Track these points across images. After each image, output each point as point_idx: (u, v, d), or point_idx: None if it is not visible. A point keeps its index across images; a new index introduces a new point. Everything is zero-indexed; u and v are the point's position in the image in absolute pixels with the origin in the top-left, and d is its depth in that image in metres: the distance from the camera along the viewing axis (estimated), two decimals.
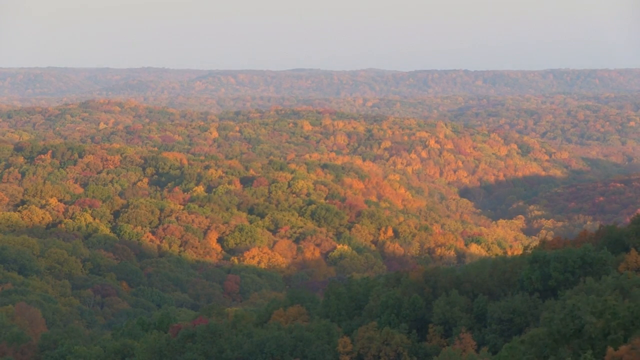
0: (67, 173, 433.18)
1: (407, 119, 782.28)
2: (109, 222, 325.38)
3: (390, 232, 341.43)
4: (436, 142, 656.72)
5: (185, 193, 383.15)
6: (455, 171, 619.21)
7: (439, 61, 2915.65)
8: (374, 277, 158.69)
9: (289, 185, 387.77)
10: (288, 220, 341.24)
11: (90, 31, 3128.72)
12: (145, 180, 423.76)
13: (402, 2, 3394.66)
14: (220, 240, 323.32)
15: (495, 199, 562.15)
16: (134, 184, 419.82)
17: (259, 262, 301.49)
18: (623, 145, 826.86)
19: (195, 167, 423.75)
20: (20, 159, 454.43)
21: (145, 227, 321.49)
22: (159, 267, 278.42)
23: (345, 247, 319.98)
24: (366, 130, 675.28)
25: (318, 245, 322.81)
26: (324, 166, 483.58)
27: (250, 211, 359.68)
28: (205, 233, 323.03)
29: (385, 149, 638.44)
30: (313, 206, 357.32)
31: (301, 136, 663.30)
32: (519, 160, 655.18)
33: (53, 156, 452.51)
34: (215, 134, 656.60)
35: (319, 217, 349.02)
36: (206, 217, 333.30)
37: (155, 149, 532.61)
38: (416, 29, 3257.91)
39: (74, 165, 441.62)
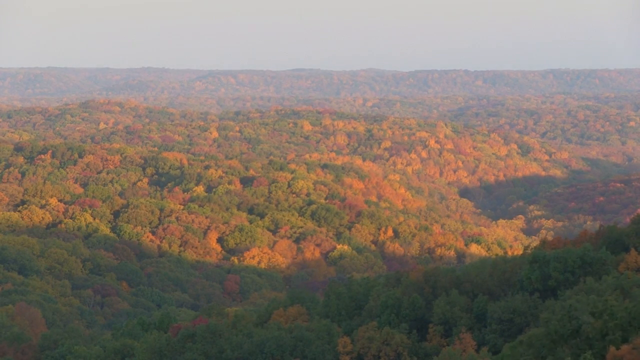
0: (67, 173, 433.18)
1: (407, 119, 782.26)
2: (109, 222, 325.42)
3: (390, 232, 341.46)
4: (436, 142, 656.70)
5: (185, 193, 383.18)
6: (455, 171, 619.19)
7: (439, 61, 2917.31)
8: (374, 277, 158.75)
9: (289, 185, 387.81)
10: (288, 220, 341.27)
11: (90, 31, 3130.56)
12: (145, 180, 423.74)
13: (402, 2, 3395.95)
14: (220, 240, 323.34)
15: (495, 199, 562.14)
16: (134, 184, 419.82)
17: (259, 262, 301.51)
18: (623, 145, 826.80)
19: (195, 167, 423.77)
20: (20, 159, 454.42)
21: (145, 227, 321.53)
22: (159, 267, 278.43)
23: (345, 247, 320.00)
24: (366, 130, 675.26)
25: (318, 245, 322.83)
26: (324, 166, 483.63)
27: (250, 211, 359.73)
28: (205, 233, 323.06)
29: (385, 149, 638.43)
30: (313, 206, 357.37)
31: (301, 136, 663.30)
32: (519, 160, 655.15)
33: (53, 156, 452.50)
34: (215, 134, 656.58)
35: (319, 217, 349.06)
36: (206, 217, 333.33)
37: (155, 149, 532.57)
38: (416, 29, 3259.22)
39: (74, 165, 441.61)
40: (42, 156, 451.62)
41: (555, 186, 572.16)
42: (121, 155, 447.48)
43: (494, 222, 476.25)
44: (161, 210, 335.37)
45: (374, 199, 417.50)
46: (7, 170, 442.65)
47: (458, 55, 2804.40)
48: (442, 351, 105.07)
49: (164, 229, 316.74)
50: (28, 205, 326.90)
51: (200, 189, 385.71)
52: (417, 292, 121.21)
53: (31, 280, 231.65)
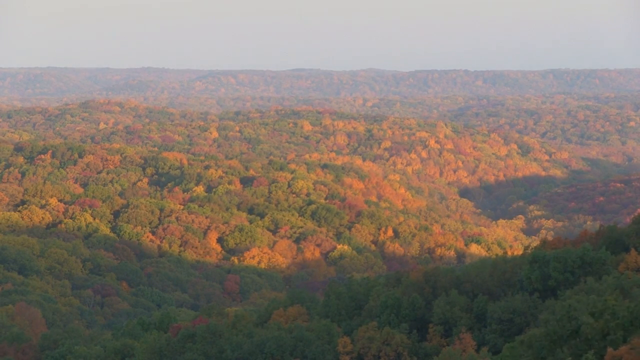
0: (67, 173, 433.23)
1: (407, 119, 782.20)
2: (109, 222, 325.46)
3: (390, 232, 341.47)
4: (436, 142, 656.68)
5: (185, 193, 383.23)
6: (455, 171, 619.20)
7: (439, 61, 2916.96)
8: (374, 277, 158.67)
9: (289, 185, 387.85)
10: (288, 220, 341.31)
11: (90, 31, 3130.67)
12: (145, 180, 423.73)
13: (402, 2, 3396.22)
14: (220, 240, 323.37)
15: (495, 199, 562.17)
16: (134, 184, 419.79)
17: (259, 262, 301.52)
18: (623, 145, 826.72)
19: (195, 167, 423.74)
20: (20, 159, 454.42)
21: (145, 227, 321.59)
22: (159, 267, 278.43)
23: (345, 247, 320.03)
24: (366, 130, 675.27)
25: (318, 245, 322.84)
26: (324, 166, 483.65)
27: (250, 211, 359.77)
28: (205, 233, 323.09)
29: (385, 149, 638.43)
30: (313, 206, 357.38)
31: (301, 136, 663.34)
32: (519, 160, 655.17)
33: (53, 156, 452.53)
34: (215, 134, 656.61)
35: (319, 217, 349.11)
36: (206, 217, 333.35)
37: (155, 149, 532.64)
38: (416, 29, 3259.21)
39: (74, 165, 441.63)
40: (42, 156, 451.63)
41: (555, 186, 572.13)
42: (121, 155, 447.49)
43: (494, 222, 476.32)
44: (161, 210, 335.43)
45: (374, 199, 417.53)
46: (7, 170, 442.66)
47: (458, 55, 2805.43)
48: (442, 351, 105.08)
49: (164, 229, 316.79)
50: (28, 205, 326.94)
51: (200, 189, 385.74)
52: (417, 292, 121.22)
53: (31, 280, 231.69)
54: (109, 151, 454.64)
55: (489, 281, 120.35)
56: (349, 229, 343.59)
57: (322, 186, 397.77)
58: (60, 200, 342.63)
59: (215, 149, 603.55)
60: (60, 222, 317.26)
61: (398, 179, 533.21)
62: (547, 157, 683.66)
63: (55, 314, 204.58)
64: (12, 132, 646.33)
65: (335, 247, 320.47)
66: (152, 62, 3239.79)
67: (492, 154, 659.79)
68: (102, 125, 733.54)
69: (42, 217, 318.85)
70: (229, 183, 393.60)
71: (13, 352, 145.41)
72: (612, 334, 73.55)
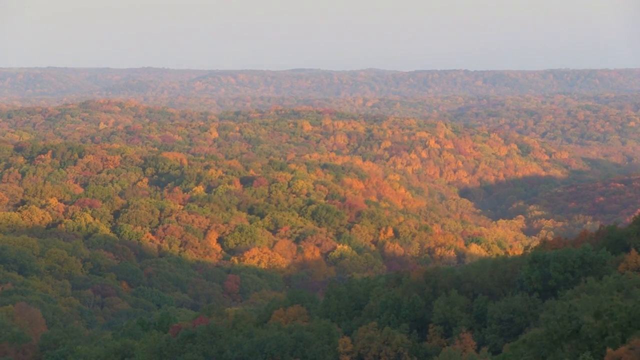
0: (67, 173, 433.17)
1: (407, 119, 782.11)
2: (109, 222, 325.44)
3: (390, 232, 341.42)
4: (436, 142, 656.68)
5: (185, 193, 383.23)
6: (455, 171, 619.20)
7: (439, 61, 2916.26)
8: (374, 277, 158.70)
9: (289, 185, 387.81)
10: (288, 220, 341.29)
11: (90, 31, 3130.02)
12: (145, 180, 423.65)
13: (402, 2, 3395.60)
14: (220, 240, 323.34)
15: (495, 199, 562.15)
16: (134, 184, 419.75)
17: (259, 262, 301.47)
18: (623, 145, 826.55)
19: (195, 167, 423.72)
20: (20, 159, 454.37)
21: (145, 227, 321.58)
22: (159, 267, 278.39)
23: (345, 247, 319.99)
24: (366, 130, 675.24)
25: (318, 245, 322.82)
26: (324, 166, 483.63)
27: (250, 211, 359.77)
28: (205, 233, 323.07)
29: (385, 149, 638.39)
30: (313, 206, 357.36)
31: (301, 136, 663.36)
32: (519, 160, 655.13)
33: (53, 156, 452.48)
34: (215, 134, 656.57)
35: (319, 217, 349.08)
36: (206, 217, 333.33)
37: (155, 149, 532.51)
38: (416, 29, 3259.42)
39: (74, 165, 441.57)
40: (42, 156, 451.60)
41: (555, 186, 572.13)
42: (121, 155, 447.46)
43: (494, 222, 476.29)
44: (161, 210, 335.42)
45: (374, 199, 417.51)
46: (7, 170, 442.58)
47: (458, 55, 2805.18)
48: (442, 351, 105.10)
49: (164, 229, 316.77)
50: (28, 205, 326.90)
51: (200, 189, 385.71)
52: (417, 292, 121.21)
53: (31, 280, 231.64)
54: (109, 151, 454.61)
55: (489, 281, 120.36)
56: (349, 229, 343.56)
57: (322, 186, 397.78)
58: (60, 200, 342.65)
59: (215, 149, 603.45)
60: (60, 222, 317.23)
61: (398, 179, 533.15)
62: (547, 157, 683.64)
63: (55, 314, 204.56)
64: (12, 132, 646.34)
65: (335, 247, 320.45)
66: (152, 62, 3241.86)
67: (492, 154, 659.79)
68: (102, 125, 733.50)
69: (42, 217, 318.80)
70: (229, 183, 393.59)
71: (13, 352, 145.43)
72: (610, 335, 73.62)
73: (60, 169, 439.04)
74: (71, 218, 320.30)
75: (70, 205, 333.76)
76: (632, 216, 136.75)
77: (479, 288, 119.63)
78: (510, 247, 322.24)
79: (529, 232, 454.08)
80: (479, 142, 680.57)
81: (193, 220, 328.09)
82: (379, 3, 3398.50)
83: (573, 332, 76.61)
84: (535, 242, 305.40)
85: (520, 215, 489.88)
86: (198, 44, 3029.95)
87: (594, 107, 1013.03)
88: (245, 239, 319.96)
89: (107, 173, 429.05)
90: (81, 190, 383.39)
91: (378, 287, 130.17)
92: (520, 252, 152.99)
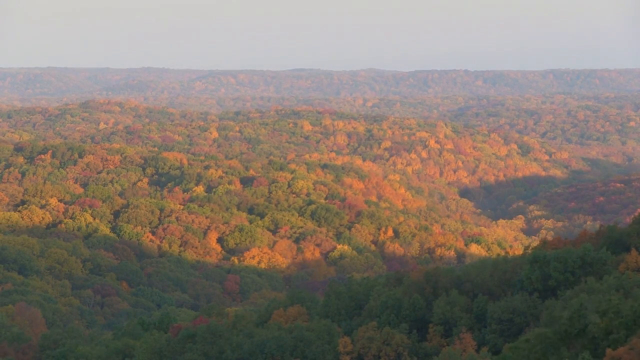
0: (67, 173, 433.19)
1: (407, 119, 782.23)
2: (109, 222, 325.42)
3: (390, 232, 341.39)
4: (436, 142, 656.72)
5: (185, 193, 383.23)
6: (455, 171, 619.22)
7: (439, 61, 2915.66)
8: (374, 277, 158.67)
9: (289, 185, 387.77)
10: (288, 220, 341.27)
11: (90, 31, 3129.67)
12: (145, 180, 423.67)
13: (402, 2, 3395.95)
14: (220, 240, 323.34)
15: (495, 199, 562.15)
16: (134, 184, 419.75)
17: (259, 262, 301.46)
18: (623, 145, 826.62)
19: (195, 167, 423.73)
20: (20, 159, 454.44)
21: (145, 227, 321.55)
22: (159, 267, 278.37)
23: (345, 247, 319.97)
24: (366, 130, 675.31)
25: (318, 245, 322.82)
26: (324, 166, 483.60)
27: (250, 211, 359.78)
28: (205, 233, 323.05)
29: (385, 149, 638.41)
30: (313, 206, 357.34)
31: (301, 136, 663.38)
32: (519, 160, 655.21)
33: (53, 156, 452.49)
34: (215, 134, 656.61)
35: (319, 217, 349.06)
36: (206, 217, 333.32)
37: (155, 149, 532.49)
38: (416, 29, 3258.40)
39: (74, 165, 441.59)
40: (42, 156, 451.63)
41: (555, 186, 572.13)
42: (121, 155, 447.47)
43: (494, 222, 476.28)
44: (161, 210, 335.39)
45: (374, 199, 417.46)
46: (7, 170, 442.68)
47: (458, 55, 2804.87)
48: (442, 351, 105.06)
49: (164, 229, 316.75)
50: (28, 205, 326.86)
51: (200, 189, 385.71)
52: (418, 292, 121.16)
53: (31, 280, 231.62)
54: (109, 151, 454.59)
55: (489, 281, 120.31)
56: (349, 229, 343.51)
57: (322, 186, 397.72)
58: (60, 200, 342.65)
59: (215, 149, 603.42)
60: (60, 222, 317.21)
61: (398, 179, 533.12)
62: (547, 157, 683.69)
63: (55, 314, 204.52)
64: (12, 132, 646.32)
65: (335, 247, 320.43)
66: (152, 62, 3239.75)
67: (492, 154, 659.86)
68: (102, 125, 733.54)
69: (42, 217, 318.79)
70: (229, 183, 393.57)
71: (13, 352, 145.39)
72: (615, 333, 73.66)
73: (60, 169, 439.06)
74: (71, 218, 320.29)
75: (70, 205, 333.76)
76: (632, 216, 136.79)
77: (479, 288, 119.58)
78: (510, 247, 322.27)
79: (529, 232, 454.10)
80: (479, 142, 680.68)
81: (193, 220, 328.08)
82: (379, 3, 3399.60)
83: (580, 331, 76.66)
84: (535, 242, 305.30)
85: (520, 215, 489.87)
86: (198, 44, 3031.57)
87: (594, 107, 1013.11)
88: (245, 239, 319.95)
89: (107, 173, 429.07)
90: (81, 190, 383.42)
91: (378, 287, 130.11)
92: (521, 252, 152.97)
